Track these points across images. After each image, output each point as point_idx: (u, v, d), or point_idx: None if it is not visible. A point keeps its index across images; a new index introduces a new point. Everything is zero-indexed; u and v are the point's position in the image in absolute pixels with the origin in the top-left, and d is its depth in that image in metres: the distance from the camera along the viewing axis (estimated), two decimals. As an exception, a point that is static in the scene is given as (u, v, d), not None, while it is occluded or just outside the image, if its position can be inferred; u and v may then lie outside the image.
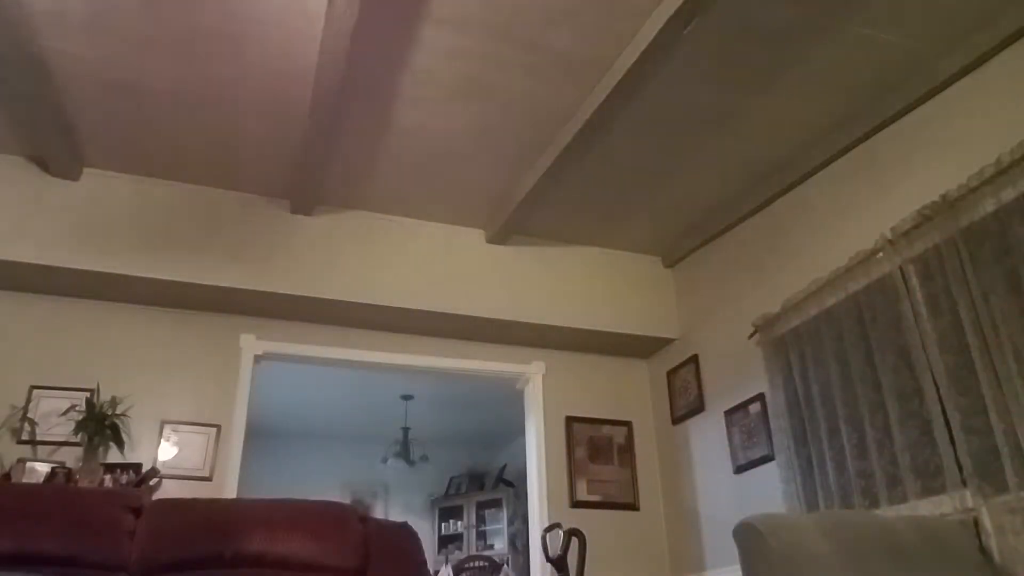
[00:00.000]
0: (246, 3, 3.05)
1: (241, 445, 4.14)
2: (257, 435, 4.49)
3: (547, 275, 4.76)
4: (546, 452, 4.70)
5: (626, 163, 4.05)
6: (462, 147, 3.97)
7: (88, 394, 3.82)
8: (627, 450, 4.86)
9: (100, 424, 3.75)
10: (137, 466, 3.81)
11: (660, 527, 4.73)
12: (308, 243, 4.35)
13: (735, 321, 4.30)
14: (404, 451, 7.51)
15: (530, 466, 4.76)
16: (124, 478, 3.72)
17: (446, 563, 6.96)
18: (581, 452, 4.76)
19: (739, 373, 4.25)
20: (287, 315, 4.39)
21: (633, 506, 4.73)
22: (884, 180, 3.56)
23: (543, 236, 4.79)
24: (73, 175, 4.03)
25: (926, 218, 3.18)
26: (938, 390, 3.05)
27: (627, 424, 4.94)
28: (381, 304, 4.35)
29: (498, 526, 7.99)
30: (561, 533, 3.61)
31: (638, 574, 4.52)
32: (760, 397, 4.05)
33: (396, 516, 5.91)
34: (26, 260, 3.80)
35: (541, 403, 4.82)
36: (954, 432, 2.95)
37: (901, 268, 3.32)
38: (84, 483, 3.57)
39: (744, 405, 4.17)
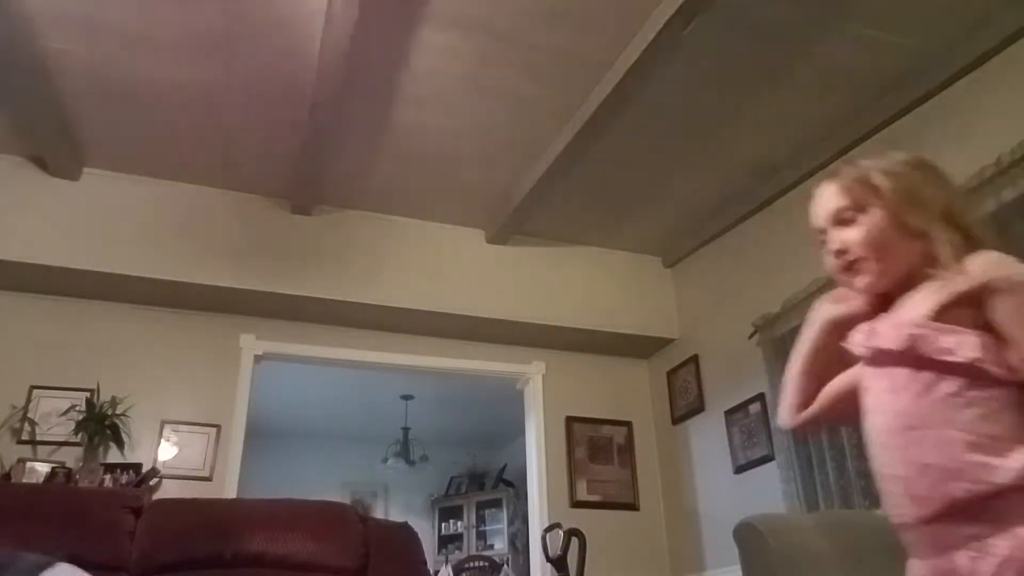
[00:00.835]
0: (246, 3, 3.05)
1: (241, 445, 4.14)
2: (257, 435, 4.48)
3: (547, 275, 4.76)
4: (546, 452, 4.70)
5: (626, 163, 4.05)
6: (462, 147, 3.97)
7: (88, 394, 3.83)
8: (627, 450, 4.86)
9: (100, 424, 3.76)
10: (137, 466, 3.81)
11: (660, 527, 4.73)
12: (308, 243, 4.35)
13: (735, 321, 4.29)
14: (404, 451, 7.50)
15: (530, 466, 4.76)
16: (124, 478, 3.72)
17: (446, 563, 6.96)
18: (581, 452, 4.75)
19: (739, 373, 4.24)
20: (287, 315, 4.39)
21: (633, 506, 4.73)
22: (884, 180, 3.55)
23: (543, 236, 4.78)
24: (73, 175, 4.03)
25: (926, 218, 3.17)
26: (938, 390, 3.05)
27: (627, 424, 4.94)
28: (381, 304, 4.35)
29: (498, 526, 7.99)
30: (561, 533, 3.62)
31: (638, 574, 4.52)
32: (760, 397, 4.05)
33: (396, 516, 5.91)
34: (26, 260, 3.80)
35: (541, 403, 4.82)
36: (954, 432, 2.95)
37: (901, 268, 3.31)
38: (84, 483, 3.57)
39: (744, 405, 4.17)
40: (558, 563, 3.52)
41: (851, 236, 1.24)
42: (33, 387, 3.86)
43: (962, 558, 1.06)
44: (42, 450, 3.75)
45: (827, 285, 3.86)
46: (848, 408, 1.28)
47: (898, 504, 1.14)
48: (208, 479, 3.98)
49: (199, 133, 3.84)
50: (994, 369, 1.09)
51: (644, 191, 4.32)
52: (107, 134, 3.84)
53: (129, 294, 4.10)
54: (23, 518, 2.64)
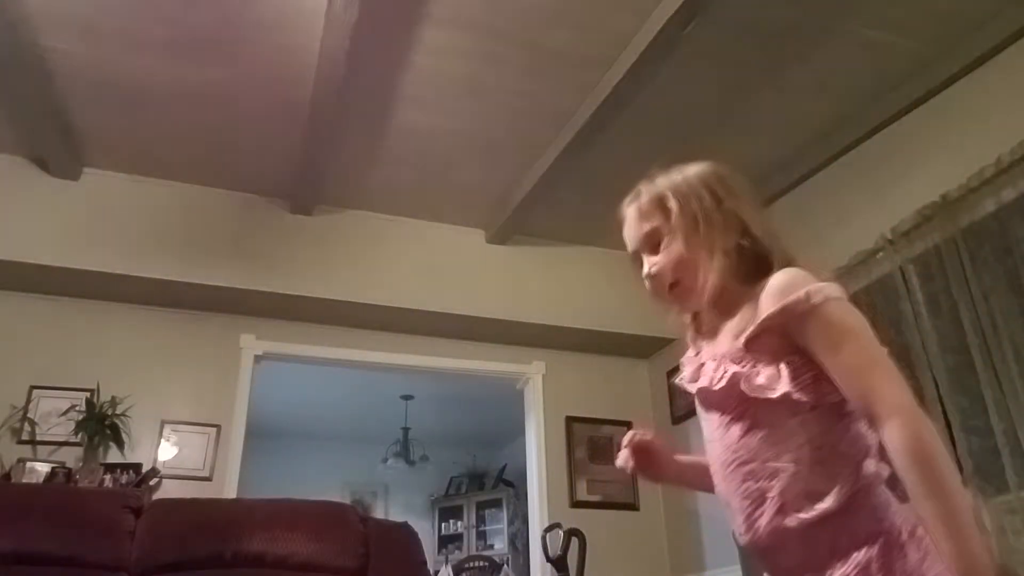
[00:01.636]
0: (246, 3, 3.05)
1: (241, 445, 4.13)
2: (257, 435, 4.48)
3: (547, 275, 4.76)
4: (546, 452, 4.70)
5: (626, 163, 4.03)
6: (462, 147, 3.97)
7: (88, 394, 3.82)
8: (627, 450, 4.85)
9: (100, 424, 3.76)
10: (137, 466, 3.80)
11: (660, 527, 4.73)
12: (308, 243, 4.35)
13: (735, 321, 4.28)
14: (404, 451, 7.50)
15: (530, 466, 4.76)
16: (124, 478, 3.72)
17: (446, 563, 6.96)
18: (581, 452, 4.75)
19: (739, 373, 4.23)
20: (287, 315, 4.38)
21: (633, 506, 4.73)
22: (884, 180, 3.55)
23: (543, 236, 4.78)
24: (73, 175, 4.03)
25: (926, 218, 3.18)
26: (938, 390, 3.05)
27: (627, 424, 4.92)
28: (381, 304, 4.35)
29: (498, 526, 7.99)
30: (561, 533, 3.62)
31: (638, 574, 4.52)
32: (760, 397, 4.04)
33: (396, 516, 5.90)
34: (26, 260, 3.80)
35: (541, 403, 4.82)
36: (954, 432, 2.95)
37: (901, 268, 3.32)
38: (84, 483, 3.57)
39: (744, 405, 4.16)
40: (558, 563, 3.52)
41: (658, 260, 1.26)
42: (33, 387, 3.86)
43: None
44: (42, 450, 3.75)
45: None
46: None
47: (742, 535, 1.15)
48: (208, 479, 3.98)
49: (199, 133, 3.84)
50: (805, 397, 1.09)
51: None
52: (107, 134, 3.84)
53: (129, 294, 4.09)
54: (23, 518, 2.64)
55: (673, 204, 1.25)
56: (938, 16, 3.10)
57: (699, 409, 1.27)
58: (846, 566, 1.03)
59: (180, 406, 4.08)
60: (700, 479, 1.32)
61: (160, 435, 3.99)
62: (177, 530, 2.79)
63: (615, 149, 3.90)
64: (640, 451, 1.34)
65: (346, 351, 4.53)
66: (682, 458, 1.39)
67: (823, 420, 1.10)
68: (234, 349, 4.30)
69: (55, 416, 3.79)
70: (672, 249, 1.24)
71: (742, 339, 1.14)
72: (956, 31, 3.15)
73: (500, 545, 7.85)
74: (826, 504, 1.05)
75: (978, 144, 3.07)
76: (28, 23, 3.10)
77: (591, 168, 4.05)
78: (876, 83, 3.46)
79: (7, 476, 3.56)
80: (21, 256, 3.80)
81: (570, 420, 4.81)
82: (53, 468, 3.63)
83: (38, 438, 3.76)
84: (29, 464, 3.64)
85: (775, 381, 1.10)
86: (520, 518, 7.32)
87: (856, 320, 1.11)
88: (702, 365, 1.22)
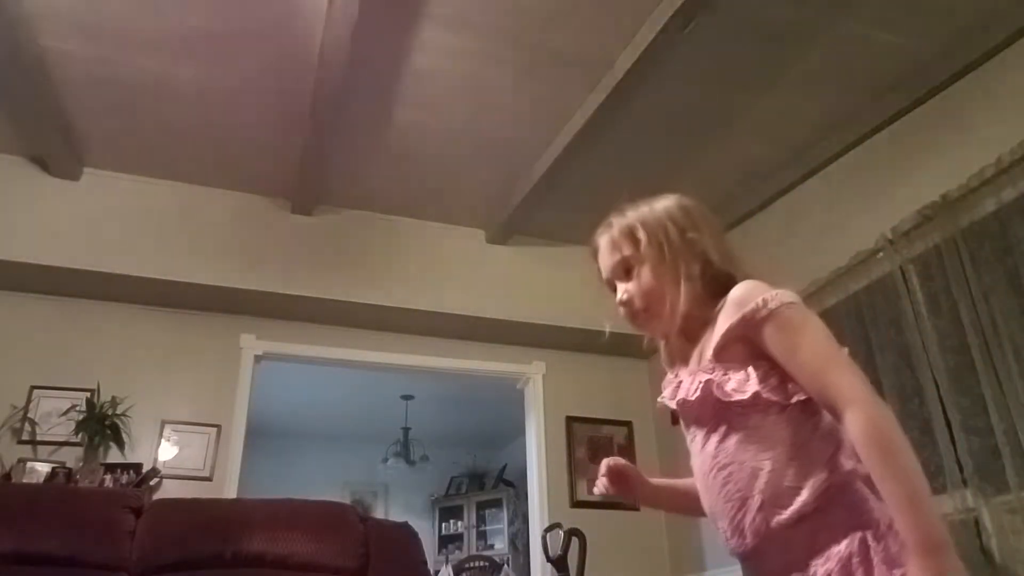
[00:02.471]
0: (246, 3, 3.05)
1: (241, 445, 4.13)
2: (257, 435, 4.48)
3: (547, 275, 4.75)
4: (546, 452, 4.70)
5: (625, 163, 4.05)
6: (462, 147, 3.97)
7: (88, 394, 3.82)
8: (627, 450, 4.85)
9: (100, 424, 3.76)
10: (137, 466, 3.81)
11: (660, 527, 4.72)
12: (308, 243, 4.35)
13: (735, 321, 4.28)
14: (404, 451, 7.50)
15: (530, 466, 4.76)
16: (124, 478, 3.72)
17: (446, 563, 6.96)
18: (581, 452, 4.75)
19: (739, 373, 4.23)
20: (287, 315, 4.38)
21: (633, 506, 4.73)
22: (884, 180, 3.55)
23: (543, 236, 4.78)
24: (73, 175, 4.03)
25: (926, 218, 3.18)
26: (938, 390, 3.05)
27: (627, 424, 4.94)
28: (381, 304, 4.35)
29: (498, 526, 7.99)
30: (561, 533, 3.61)
31: (638, 574, 4.52)
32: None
33: (396, 516, 5.90)
34: (26, 260, 3.80)
35: (541, 403, 4.82)
36: (954, 432, 2.95)
37: (901, 268, 3.32)
38: (84, 483, 3.57)
39: (744, 405, 4.16)
40: (558, 563, 3.52)
41: (630, 287, 1.35)
42: (33, 387, 3.86)
43: None
44: (42, 450, 3.75)
45: (827, 285, 3.82)
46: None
47: (726, 539, 1.19)
48: (208, 479, 3.98)
49: (199, 133, 3.84)
50: (775, 397, 1.15)
51: (644, 191, 4.31)
52: (107, 134, 3.84)
53: (129, 294, 4.09)
54: (24, 518, 2.64)
55: (642, 235, 1.35)
56: (938, 16, 3.10)
57: (683, 428, 1.31)
58: (828, 562, 1.07)
59: (180, 406, 4.08)
60: (672, 500, 1.44)
61: (160, 435, 3.99)
62: (177, 530, 2.79)
63: (615, 149, 3.90)
64: (616, 476, 1.41)
65: (346, 351, 4.53)
66: (656, 481, 1.46)
67: (794, 419, 1.15)
68: (234, 349, 4.30)
69: (55, 416, 3.79)
70: (642, 277, 1.33)
71: (710, 351, 1.20)
72: (956, 31, 3.15)
73: (500, 545, 7.85)
74: (803, 498, 1.10)
75: (978, 144, 3.07)
76: (28, 23, 3.10)
77: (591, 168, 4.05)
78: (876, 83, 3.46)
79: (7, 476, 3.56)
80: (21, 256, 3.80)
81: (570, 420, 4.81)
82: (53, 468, 3.63)
83: (38, 438, 3.76)
84: (29, 464, 3.65)
85: (744, 384, 1.16)
86: (520, 518, 7.32)
87: (811, 321, 1.18)
88: (680, 383, 1.27)
